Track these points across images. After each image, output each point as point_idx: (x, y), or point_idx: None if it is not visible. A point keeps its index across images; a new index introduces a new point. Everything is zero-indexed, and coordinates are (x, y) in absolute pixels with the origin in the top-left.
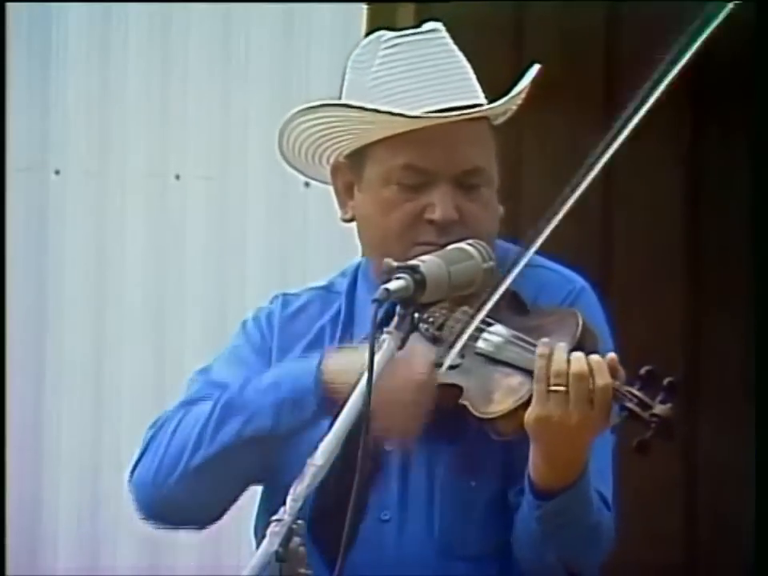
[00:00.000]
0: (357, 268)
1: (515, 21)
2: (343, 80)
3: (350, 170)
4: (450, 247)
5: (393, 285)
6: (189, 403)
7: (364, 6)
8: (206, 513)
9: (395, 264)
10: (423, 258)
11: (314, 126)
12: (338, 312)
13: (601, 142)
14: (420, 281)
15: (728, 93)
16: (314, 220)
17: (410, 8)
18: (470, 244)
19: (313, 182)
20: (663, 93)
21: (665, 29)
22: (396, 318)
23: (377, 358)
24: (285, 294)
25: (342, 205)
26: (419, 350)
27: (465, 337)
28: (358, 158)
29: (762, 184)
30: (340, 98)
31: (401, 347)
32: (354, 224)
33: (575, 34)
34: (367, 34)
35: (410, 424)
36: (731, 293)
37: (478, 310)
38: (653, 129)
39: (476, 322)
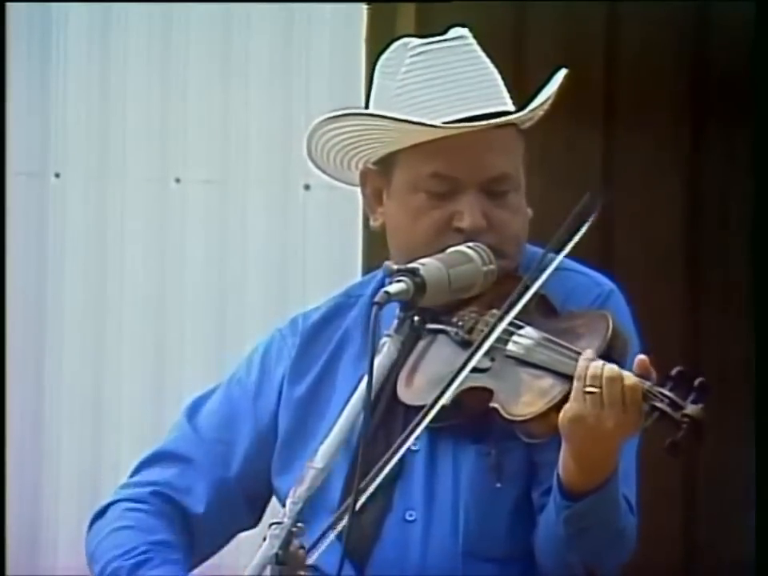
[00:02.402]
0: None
1: (516, 25)
2: (370, 84)
3: (378, 176)
4: (450, 250)
5: (393, 288)
6: (159, 459)
7: (364, 6)
8: None
9: (395, 267)
10: (423, 260)
11: (340, 134)
12: (360, 315)
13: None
14: (420, 284)
15: (727, 94)
16: (314, 223)
17: (411, 8)
18: (469, 247)
19: (313, 186)
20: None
21: (664, 32)
22: (396, 322)
23: (377, 360)
24: (305, 312)
25: (372, 211)
26: None
27: (491, 339)
28: (386, 164)
29: (761, 183)
30: (368, 101)
31: (401, 350)
32: (353, 227)
33: (576, 38)
34: (367, 35)
35: None
36: (731, 293)
37: (506, 313)
38: (653, 130)
39: (503, 325)
